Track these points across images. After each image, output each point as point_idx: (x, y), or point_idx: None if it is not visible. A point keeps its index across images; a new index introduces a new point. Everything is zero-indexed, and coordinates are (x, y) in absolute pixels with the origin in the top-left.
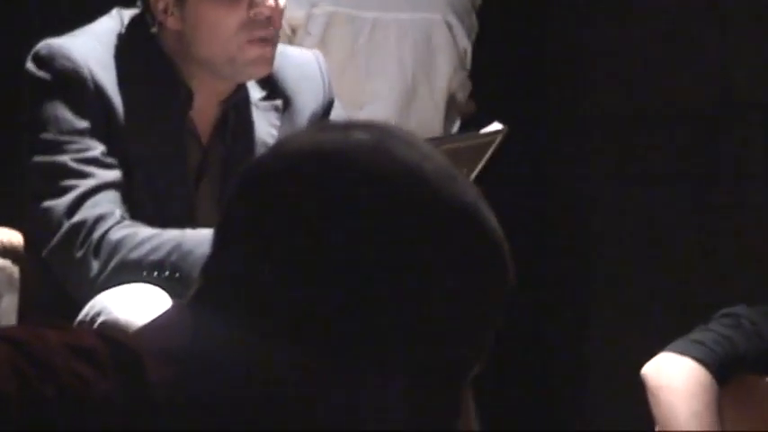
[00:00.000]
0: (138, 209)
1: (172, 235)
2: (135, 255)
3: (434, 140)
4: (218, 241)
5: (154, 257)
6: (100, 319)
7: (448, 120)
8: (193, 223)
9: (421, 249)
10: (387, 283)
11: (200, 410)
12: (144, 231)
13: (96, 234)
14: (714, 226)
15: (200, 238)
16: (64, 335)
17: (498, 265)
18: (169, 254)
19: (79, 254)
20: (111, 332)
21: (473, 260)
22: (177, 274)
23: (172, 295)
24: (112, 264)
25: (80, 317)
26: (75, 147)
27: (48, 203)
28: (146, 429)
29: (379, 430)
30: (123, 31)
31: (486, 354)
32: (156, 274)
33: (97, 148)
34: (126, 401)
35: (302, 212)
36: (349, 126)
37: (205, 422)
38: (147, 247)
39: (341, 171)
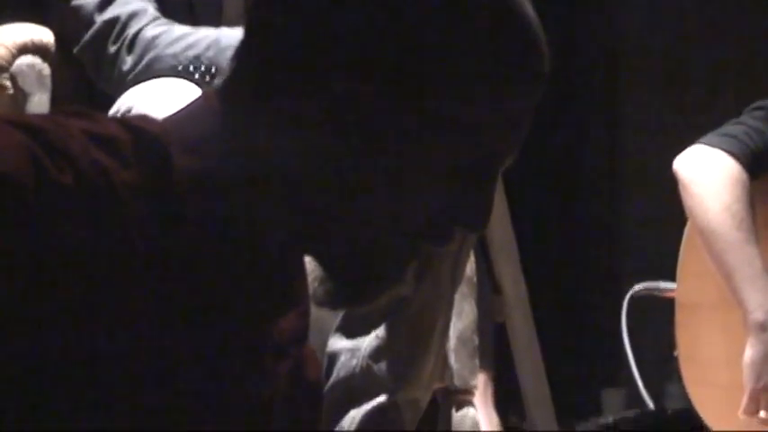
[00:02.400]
0: (167, 15)
1: (208, 32)
2: (171, 50)
3: None
4: (249, 26)
5: (190, 53)
6: (131, 114)
7: None
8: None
9: (455, 33)
10: (425, 67)
11: (225, 201)
12: (180, 28)
13: (131, 30)
14: None
15: (237, 35)
16: (85, 123)
17: (534, 53)
18: (206, 49)
19: (113, 49)
20: (136, 120)
21: (508, 47)
22: (213, 69)
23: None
24: (147, 59)
25: (111, 112)
26: None
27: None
28: (168, 220)
29: (416, 219)
30: None
31: (518, 146)
32: (191, 68)
33: None
34: (148, 191)
35: None
36: None
37: (230, 211)
38: (183, 43)
39: None
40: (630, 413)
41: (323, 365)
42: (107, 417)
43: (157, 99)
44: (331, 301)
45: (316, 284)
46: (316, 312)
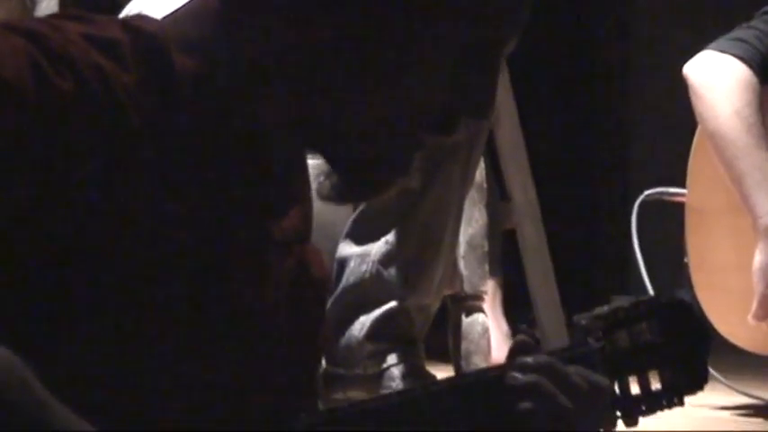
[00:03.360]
0: None
1: None
2: None
3: None
4: None
5: None
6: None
7: None
8: None
9: None
10: None
11: (225, 98)
12: None
13: None
14: None
15: None
16: (84, 26)
17: None
18: None
19: None
20: (135, 21)
21: None
22: None
23: None
24: None
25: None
26: None
27: None
28: (169, 121)
29: (420, 107)
30: None
31: (518, 31)
32: None
33: None
34: (149, 92)
35: None
36: None
37: (230, 109)
38: None
39: None
40: (625, 301)
41: (332, 272)
42: (112, 316)
43: (165, 4)
44: (337, 196)
45: (321, 179)
46: (324, 218)
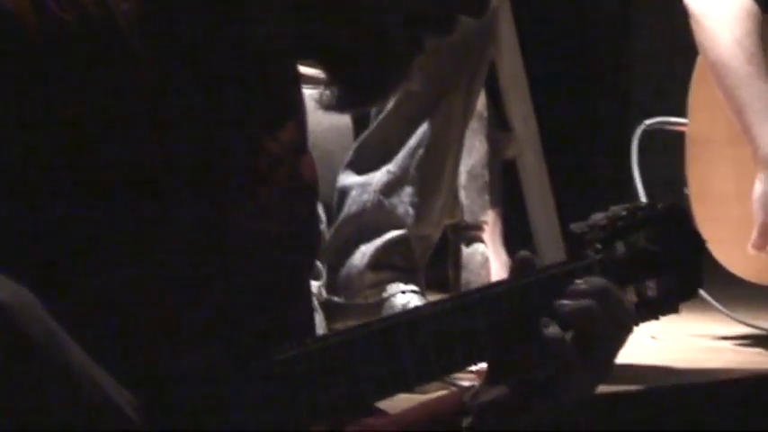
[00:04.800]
0: None
1: None
2: None
3: None
4: None
5: None
6: None
7: None
8: None
9: None
10: None
11: (220, 15)
12: None
13: None
14: None
15: None
16: None
17: None
18: None
19: None
20: None
21: None
22: None
23: None
24: None
25: None
26: None
27: None
28: (169, 45)
29: (417, 8)
30: None
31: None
32: None
33: None
34: (148, 20)
35: None
36: None
37: (226, 24)
38: None
39: None
40: (621, 209)
41: (333, 202)
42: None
43: None
44: (338, 105)
45: (321, 89)
46: (324, 147)
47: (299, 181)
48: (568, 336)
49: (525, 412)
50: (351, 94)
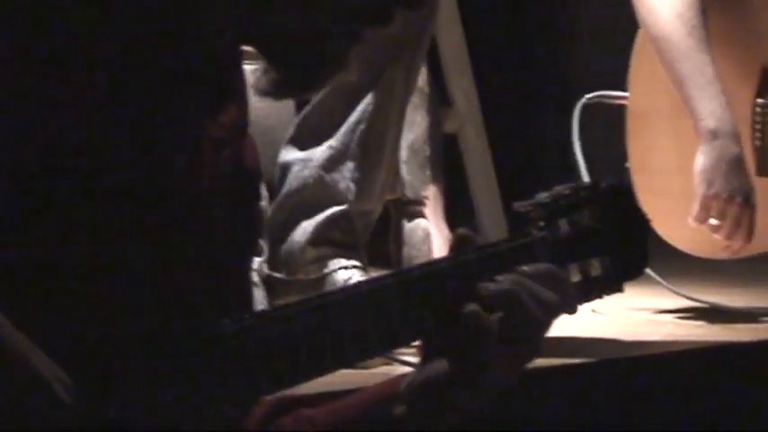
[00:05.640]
0: None
1: None
2: None
3: None
4: None
5: None
6: None
7: None
8: None
9: None
10: None
11: (159, 7)
12: None
13: None
14: None
15: None
16: None
17: None
18: None
19: None
20: None
21: None
22: None
23: None
24: None
25: None
26: None
27: None
28: (107, 29)
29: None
30: None
31: None
32: None
33: None
34: (93, 5)
35: None
36: None
37: (165, 8)
38: None
39: None
40: (565, 188)
41: (274, 177)
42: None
43: None
44: (275, 91)
45: (258, 75)
46: (265, 123)
47: (242, 164)
48: (496, 316)
49: (455, 391)
50: (287, 81)
